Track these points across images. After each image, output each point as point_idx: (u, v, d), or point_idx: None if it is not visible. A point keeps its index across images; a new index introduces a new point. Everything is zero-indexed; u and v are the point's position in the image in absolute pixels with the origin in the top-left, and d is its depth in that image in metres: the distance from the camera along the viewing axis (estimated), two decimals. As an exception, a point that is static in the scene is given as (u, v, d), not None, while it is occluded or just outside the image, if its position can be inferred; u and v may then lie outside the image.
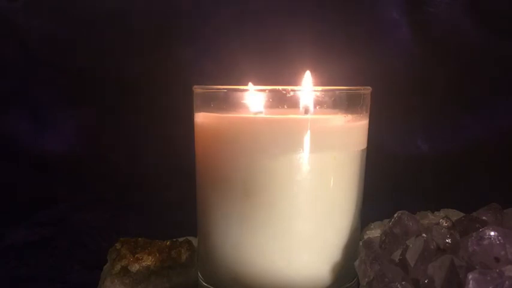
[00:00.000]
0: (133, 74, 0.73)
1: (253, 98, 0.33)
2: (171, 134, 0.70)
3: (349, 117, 0.34)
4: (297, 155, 0.32)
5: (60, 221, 0.60)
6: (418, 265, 0.30)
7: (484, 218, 0.32)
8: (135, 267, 0.38)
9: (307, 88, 0.34)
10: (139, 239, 0.40)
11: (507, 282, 0.26)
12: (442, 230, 0.31)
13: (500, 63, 0.69)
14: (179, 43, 0.72)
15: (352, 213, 0.35)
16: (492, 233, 0.28)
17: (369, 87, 0.36)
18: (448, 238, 0.30)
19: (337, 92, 0.34)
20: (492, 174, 0.67)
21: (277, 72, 0.53)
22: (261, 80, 0.36)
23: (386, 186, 0.60)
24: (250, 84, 0.34)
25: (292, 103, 0.33)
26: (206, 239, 0.36)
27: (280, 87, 0.33)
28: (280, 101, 0.33)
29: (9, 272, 0.46)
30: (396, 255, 0.31)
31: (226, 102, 0.34)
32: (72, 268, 0.46)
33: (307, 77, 0.35)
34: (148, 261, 0.38)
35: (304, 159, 0.32)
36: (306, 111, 0.33)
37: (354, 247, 0.36)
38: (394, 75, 0.70)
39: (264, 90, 0.33)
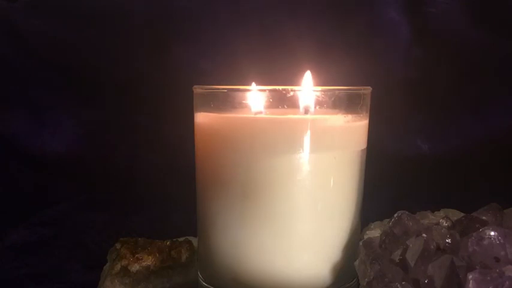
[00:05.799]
0: (133, 74, 0.73)
1: (253, 98, 0.33)
2: (171, 134, 0.70)
3: (349, 117, 0.34)
4: (297, 155, 0.32)
5: (60, 221, 0.60)
6: (418, 265, 0.30)
7: (484, 218, 0.32)
8: (135, 267, 0.38)
9: (307, 88, 0.34)
10: (139, 239, 0.40)
11: (507, 282, 0.26)
12: (442, 230, 0.31)
13: (500, 63, 0.69)
14: (179, 43, 0.72)
15: (352, 213, 0.35)
16: (492, 233, 0.28)
17: (368, 87, 0.36)
18: (448, 238, 0.30)
19: (337, 92, 0.34)
20: (492, 174, 0.67)
21: (277, 72, 0.53)
22: (261, 79, 0.36)
23: (387, 186, 0.60)
24: (253, 84, 0.34)
25: (292, 103, 0.33)
26: (206, 239, 0.36)
27: (280, 87, 0.33)
28: (280, 101, 0.33)
29: (9, 272, 0.46)
30: (396, 255, 0.31)
31: (226, 102, 0.34)
32: (72, 268, 0.46)
33: (308, 77, 0.35)
34: (148, 261, 0.38)
35: (304, 159, 0.32)
36: (306, 111, 0.33)
37: (354, 247, 0.36)
38: (394, 75, 0.70)
39: (264, 90, 0.33)
